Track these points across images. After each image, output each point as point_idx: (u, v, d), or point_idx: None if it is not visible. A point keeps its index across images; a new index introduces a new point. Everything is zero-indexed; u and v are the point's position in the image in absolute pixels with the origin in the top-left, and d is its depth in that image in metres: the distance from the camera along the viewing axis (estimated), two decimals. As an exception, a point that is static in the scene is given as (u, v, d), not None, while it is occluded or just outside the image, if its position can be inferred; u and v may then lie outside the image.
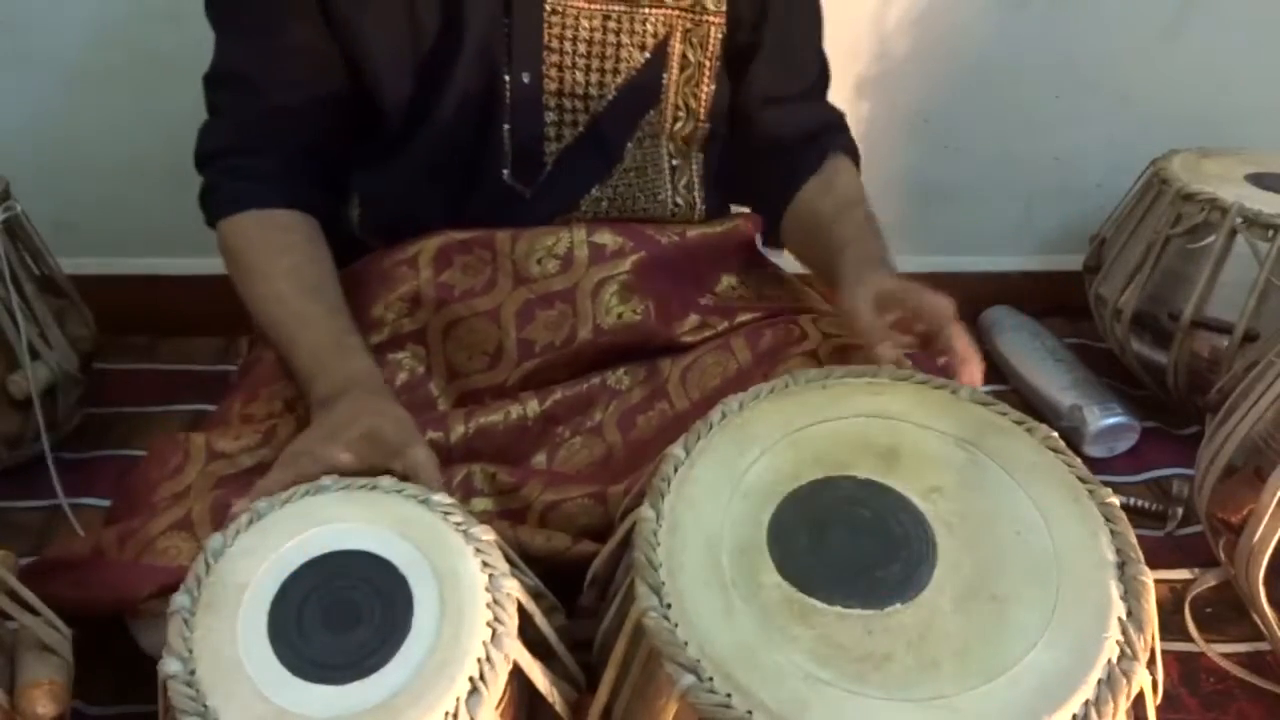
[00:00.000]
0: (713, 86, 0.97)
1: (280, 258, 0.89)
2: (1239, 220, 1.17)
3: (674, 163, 0.99)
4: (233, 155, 0.92)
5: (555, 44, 0.92)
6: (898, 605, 0.59)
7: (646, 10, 0.93)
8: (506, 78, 0.92)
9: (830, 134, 1.03)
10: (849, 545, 0.61)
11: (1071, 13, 1.39)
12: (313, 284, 0.88)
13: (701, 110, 0.98)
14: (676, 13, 0.93)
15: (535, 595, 0.68)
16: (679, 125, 0.98)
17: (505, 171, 0.95)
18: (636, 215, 0.99)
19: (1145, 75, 1.43)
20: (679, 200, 1.00)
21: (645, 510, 0.62)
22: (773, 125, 1.01)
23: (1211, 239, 1.19)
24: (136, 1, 1.25)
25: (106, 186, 1.36)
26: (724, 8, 0.94)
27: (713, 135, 1.00)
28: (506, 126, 0.94)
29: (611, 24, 0.93)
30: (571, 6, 0.91)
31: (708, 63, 0.96)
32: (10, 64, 1.30)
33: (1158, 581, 0.62)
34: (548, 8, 0.91)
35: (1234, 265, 1.19)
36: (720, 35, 0.95)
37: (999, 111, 1.45)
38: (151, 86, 1.28)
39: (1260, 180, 1.24)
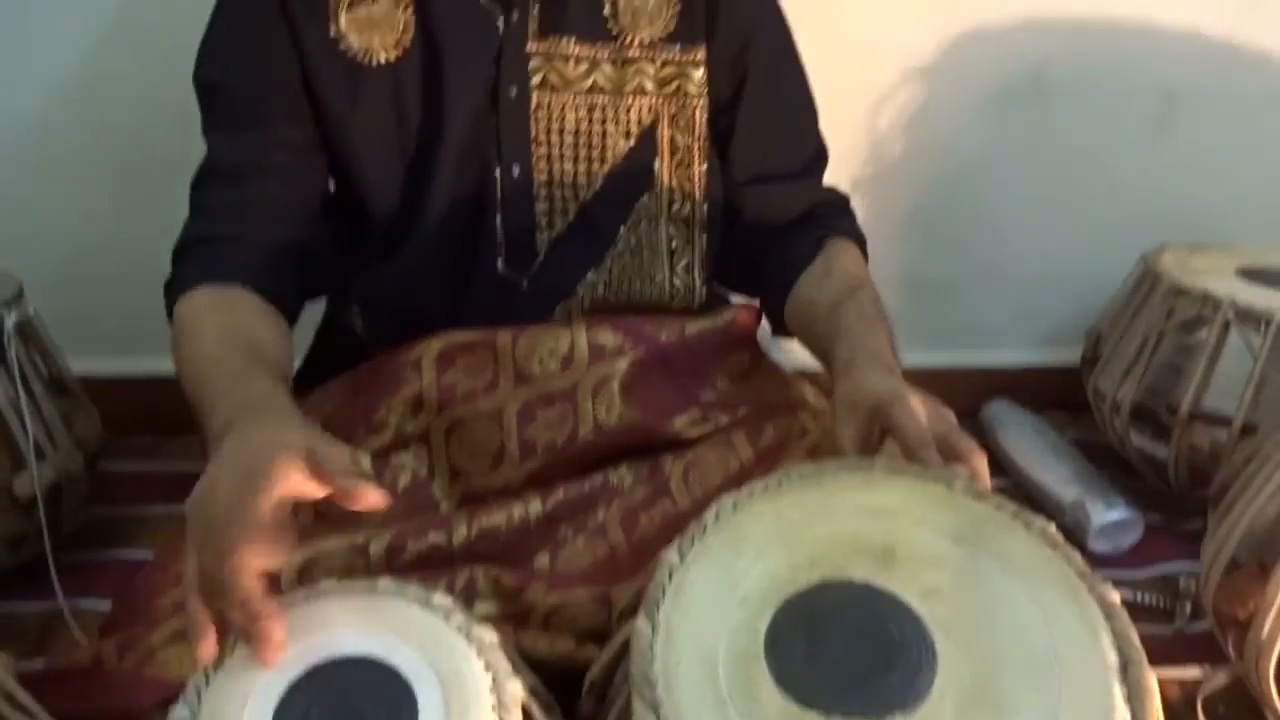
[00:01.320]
0: (704, 166, 0.99)
1: (218, 315, 0.85)
2: (1232, 314, 1.18)
3: (674, 245, 1.00)
4: (207, 243, 0.91)
5: (543, 136, 0.94)
6: (898, 717, 0.58)
7: (630, 99, 0.95)
8: (497, 171, 0.94)
9: (828, 217, 1.02)
10: (847, 653, 0.60)
11: (1058, 112, 1.43)
12: (259, 345, 0.83)
13: (697, 191, 0.99)
14: (660, 99, 0.96)
15: (535, 695, 0.67)
16: (676, 208, 1.00)
17: (500, 262, 0.97)
18: (634, 299, 1.00)
19: (1133, 171, 1.46)
20: (677, 282, 1.01)
21: (641, 622, 0.61)
22: (760, 205, 1.01)
23: (1205, 333, 1.20)
24: (152, 108, 1.29)
25: (117, 287, 1.38)
26: (706, 90, 0.97)
27: (714, 217, 1.02)
28: (498, 218, 0.95)
29: (597, 114, 0.95)
30: (557, 99, 0.94)
31: (697, 144, 0.98)
32: (26, 165, 1.34)
33: (1168, 680, 0.61)
34: (534, 102, 0.93)
35: (1229, 358, 1.20)
36: (705, 117, 0.98)
37: (991, 208, 1.48)
38: (163, 190, 1.31)
39: (1251, 275, 1.26)
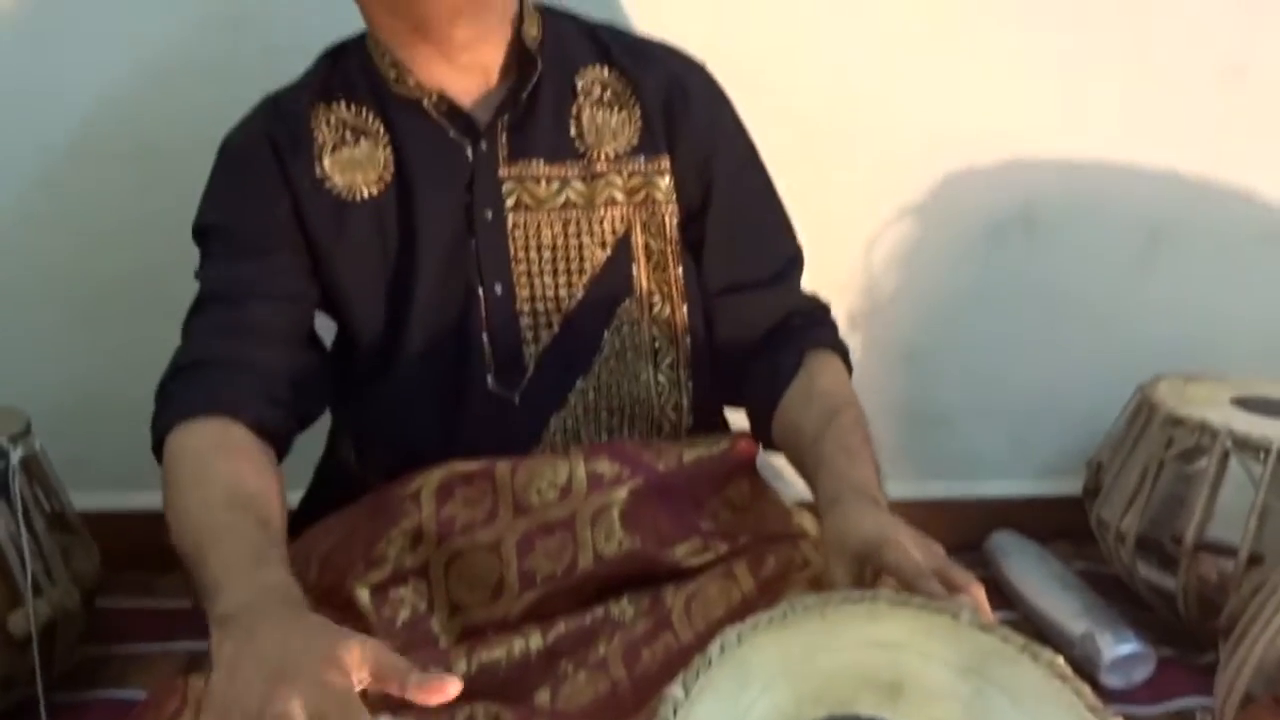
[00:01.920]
0: (679, 269, 1.01)
1: (222, 465, 0.84)
2: (1230, 443, 1.19)
3: (657, 345, 1.02)
4: (197, 369, 0.91)
5: (521, 254, 0.97)
6: None
7: (603, 210, 0.98)
8: (480, 291, 0.96)
9: (807, 328, 1.02)
10: (855, 787, 0.59)
11: (1047, 246, 1.46)
12: (248, 494, 0.82)
13: (675, 293, 1.01)
14: (631, 208, 0.99)
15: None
16: (656, 310, 1.01)
17: (489, 379, 0.98)
18: (623, 401, 1.01)
19: (1124, 303, 1.49)
20: (661, 378, 1.02)
21: (646, 762, 0.60)
22: (735, 316, 1.02)
23: (1205, 462, 1.21)
24: (164, 248, 1.32)
25: (120, 423, 1.38)
26: (674, 196, 1.00)
27: (695, 318, 1.03)
28: (485, 337, 0.97)
29: (572, 228, 0.98)
30: (532, 218, 0.97)
31: (670, 248, 1.01)
32: (36, 300, 1.37)
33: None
34: (510, 222, 0.97)
35: (1231, 488, 1.20)
36: (676, 221, 1.00)
37: (987, 340, 1.50)
38: (172, 331, 1.34)
39: (1246, 404, 1.27)
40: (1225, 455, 1.19)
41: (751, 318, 1.03)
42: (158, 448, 0.90)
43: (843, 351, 1.02)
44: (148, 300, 1.36)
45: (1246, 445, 1.18)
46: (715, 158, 1.02)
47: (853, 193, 1.41)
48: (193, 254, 0.99)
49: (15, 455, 1.09)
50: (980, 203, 1.45)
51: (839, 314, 1.08)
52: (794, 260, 1.06)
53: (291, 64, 1.01)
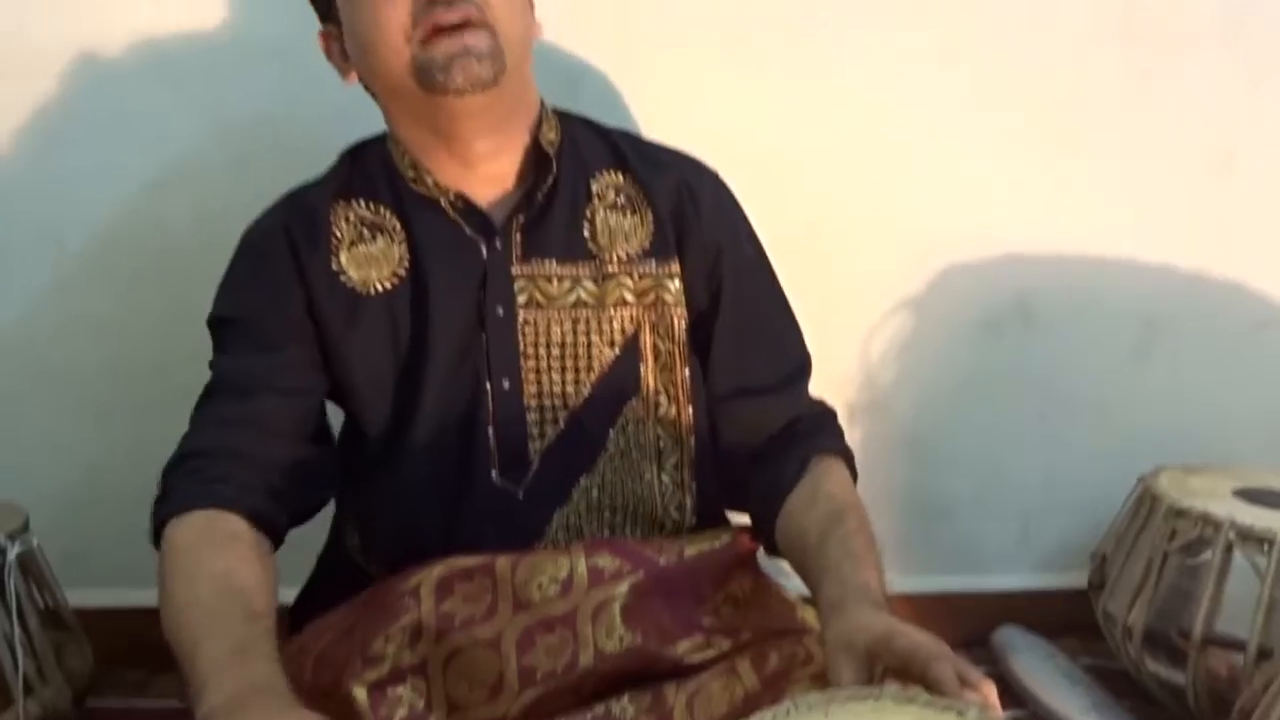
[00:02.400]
0: (686, 371, 1.02)
1: (215, 559, 0.84)
2: (1233, 535, 1.18)
3: (661, 445, 1.02)
4: (199, 457, 0.92)
5: (530, 350, 0.98)
6: None
7: (613, 310, 1.00)
8: (488, 385, 0.97)
9: (813, 434, 1.02)
10: None
11: (1043, 338, 1.48)
12: (237, 587, 0.82)
13: (681, 394, 1.02)
14: (641, 308, 1.00)
15: None
16: (662, 410, 1.02)
17: (494, 474, 0.98)
18: (627, 500, 1.00)
19: (1122, 394, 1.50)
20: (665, 479, 1.02)
21: None
22: (741, 420, 1.02)
23: (1209, 554, 1.20)
24: (167, 345, 1.34)
25: (118, 518, 1.38)
26: (684, 299, 1.01)
27: (700, 420, 1.03)
28: (490, 431, 0.97)
29: (581, 327, 0.99)
30: (542, 316, 0.98)
31: (678, 350, 1.01)
32: (34, 395, 1.38)
33: None
34: (520, 319, 0.98)
35: (1236, 581, 1.19)
36: (684, 324, 1.01)
37: (987, 432, 1.50)
38: (174, 429, 1.34)
39: (1248, 495, 1.27)
40: (1229, 548, 1.19)
41: (758, 422, 1.03)
42: (156, 537, 0.90)
43: (848, 457, 1.02)
44: (149, 396, 1.37)
45: (1250, 537, 1.18)
46: (724, 263, 1.03)
47: (851, 286, 1.43)
48: (196, 350, 1.00)
49: (12, 552, 1.09)
50: (976, 296, 1.46)
51: (838, 406, 1.08)
52: (802, 366, 1.07)
53: (308, 164, 1.04)
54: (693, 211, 1.03)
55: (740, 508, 1.06)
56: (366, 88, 1.00)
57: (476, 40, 0.89)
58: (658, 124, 1.30)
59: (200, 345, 1.00)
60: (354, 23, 0.93)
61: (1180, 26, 1.39)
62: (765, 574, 1.05)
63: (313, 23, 1.27)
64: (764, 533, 1.01)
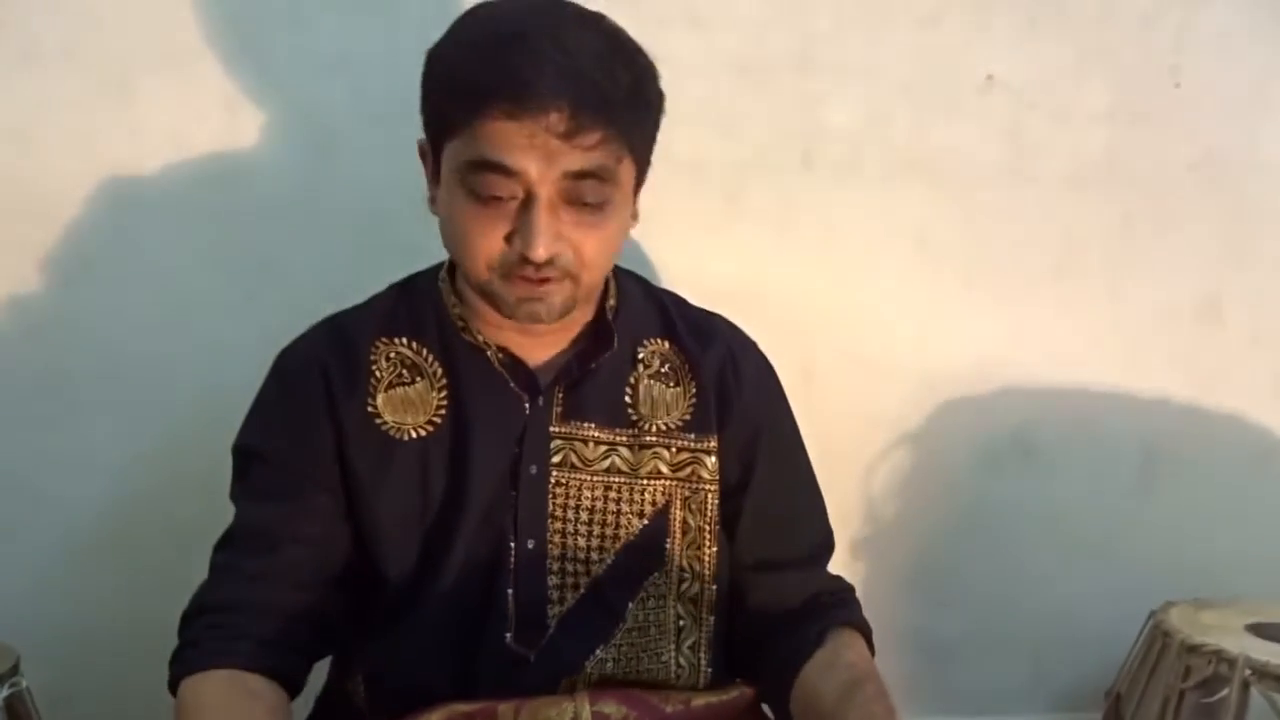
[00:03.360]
0: (714, 549, 1.00)
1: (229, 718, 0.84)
2: (1248, 672, 1.16)
3: (681, 623, 0.99)
4: (222, 611, 0.90)
5: (559, 512, 0.95)
6: None
7: (645, 481, 0.98)
8: (512, 544, 0.95)
9: (833, 607, 0.99)
10: None
11: (1043, 473, 1.48)
12: None
13: (707, 572, 0.99)
14: (675, 482, 0.98)
15: None
16: (685, 587, 0.99)
17: (508, 636, 0.94)
18: (641, 677, 0.97)
19: (1127, 528, 1.49)
20: (682, 661, 0.99)
21: None
22: (764, 592, 1.00)
23: (1226, 692, 1.17)
24: (172, 481, 1.34)
25: (106, 660, 1.36)
26: (718, 476, 0.99)
27: (722, 599, 1.01)
28: (510, 591, 0.94)
29: (612, 494, 0.97)
30: (575, 478, 0.96)
31: (708, 527, 0.99)
32: (29, 532, 1.36)
33: None
34: (552, 479, 0.96)
35: (1255, 717, 1.16)
36: (717, 501, 0.99)
37: (992, 566, 1.49)
38: (163, 558, 1.33)
39: (1261, 630, 1.25)
40: (1245, 686, 1.16)
41: (781, 594, 1.00)
42: (173, 685, 0.88)
43: (866, 632, 1.00)
44: (144, 536, 1.36)
45: (1266, 674, 1.16)
46: (761, 441, 1.02)
47: (850, 423, 1.44)
48: (195, 493, 0.98)
49: (1, 694, 1.06)
50: (975, 431, 1.48)
51: (841, 540, 1.08)
52: (826, 544, 1.06)
53: (314, 309, 1.03)
54: (735, 385, 1.02)
55: (752, 675, 1.02)
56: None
57: (554, 294, 0.89)
58: (653, 270, 1.33)
59: (200, 487, 0.99)
60: (449, 209, 0.90)
61: (1160, 171, 1.44)
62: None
63: (313, 173, 1.33)
64: (775, 698, 0.98)
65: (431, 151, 0.91)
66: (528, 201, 0.85)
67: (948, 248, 1.44)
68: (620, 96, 0.85)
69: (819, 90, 1.39)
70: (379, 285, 1.04)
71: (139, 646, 1.31)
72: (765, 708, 1.02)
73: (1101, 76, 1.42)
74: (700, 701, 0.96)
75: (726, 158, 1.39)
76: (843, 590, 1.03)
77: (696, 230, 1.39)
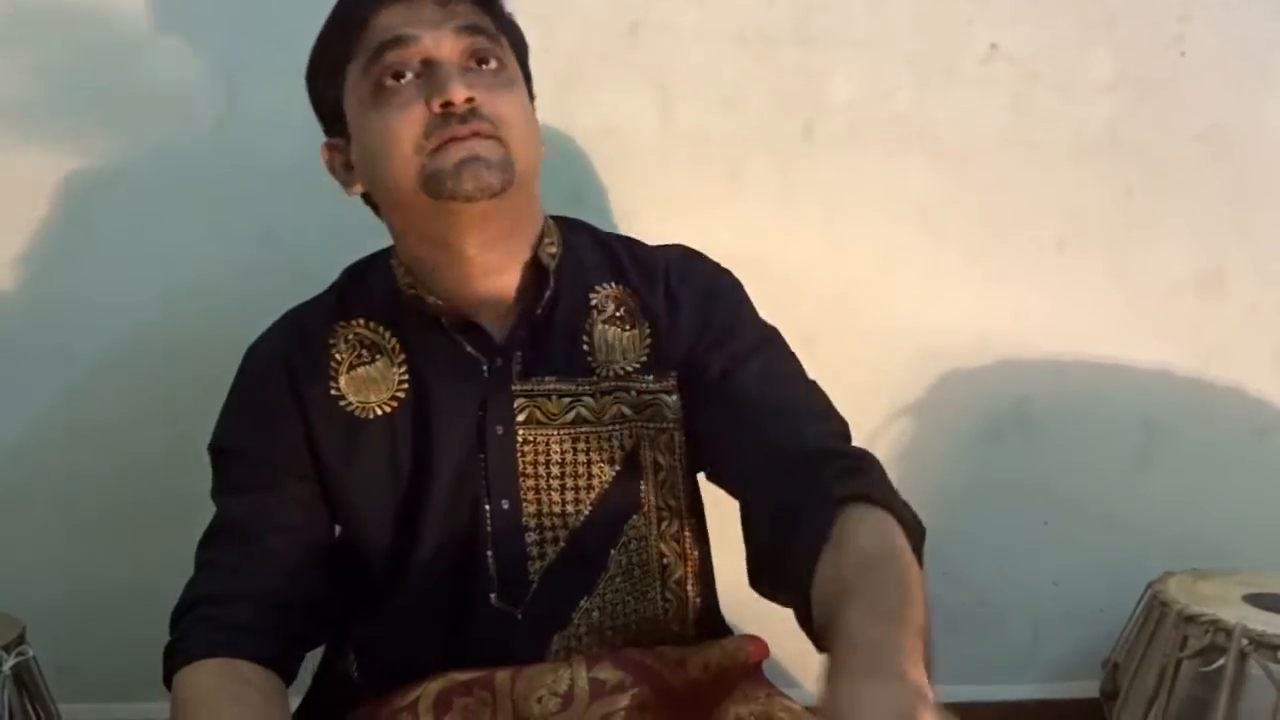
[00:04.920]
0: (687, 485, 1.00)
1: (228, 708, 0.85)
2: (1245, 642, 1.17)
3: (665, 561, 1.00)
4: (211, 603, 0.92)
5: (530, 469, 0.96)
6: None
7: (610, 427, 0.98)
8: (486, 507, 0.95)
9: (838, 480, 0.82)
10: None
11: (1043, 445, 1.48)
12: None
13: (683, 508, 1.00)
14: (639, 423, 0.98)
15: None
16: (665, 525, 1.00)
17: (493, 596, 0.96)
18: (628, 619, 0.98)
19: (1126, 500, 1.50)
20: (669, 596, 1.00)
21: None
22: (757, 498, 0.89)
23: (1223, 662, 1.18)
24: (175, 454, 1.34)
25: (112, 631, 1.37)
26: (681, 414, 0.99)
27: (704, 532, 1.02)
28: (490, 553, 0.95)
29: (581, 445, 0.97)
30: (541, 434, 0.97)
31: (679, 465, 0.99)
32: (35, 505, 1.38)
33: None
34: (519, 437, 0.96)
35: (1253, 689, 1.17)
36: (683, 438, 0.99)
37: (992, 538, 1.50)
38: (166, 530, 1.33)
39: (1259, 600, 1.26)
40: (1243, 656, 1.17)
41: (774, 492, 0.87)
42: (168, 679, 0.90)
43: (886, 502, 0.80)
44: (149, 510, 1.37)
45: (1263, 644, 1.16)
46: (706, 338, 0.99)
47: (852, 394, 1.42)
48: (198, 465, 1.00)
49: (7, 664, 1.08)
50: (976, 403, 1.48)
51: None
52: (825, 412, 0.96)
53: (317, 277, 1.05)
54: (678, 280, 1.01)
55: (784, 597, 0.83)
56: (368, 202, 1.00)
57: (487, 149, 0.89)
58: (654, 239, 1.32)
59: (202, 459, 1.00)
60: (364, 133, 0.93)
61: (1163, 142, 1.44)
62: (772, 685, 1.04)
63: (314, 145, 1.32)
64: (806, 627, 0.78)
65: (336, 127, 0.96)
66: (429, 66, 0.89)
67: (950, 219, 1.43)
68: None
69: (820, 62, 1.38)
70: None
71: (143, 617, 1.32)
72: (765, 667, 1.02)
73: (1105, 46, 1.41)
74: (697, 663, 0.96)
75: (728, 130, 1.39)
76: (851, 455, 0.89)
77: (697, 202, 1.39)
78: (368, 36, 0.90)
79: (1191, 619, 1.22)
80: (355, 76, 0.92)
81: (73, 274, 1.34)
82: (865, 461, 0.87)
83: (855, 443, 0.94)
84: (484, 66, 0.91)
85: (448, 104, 0.87)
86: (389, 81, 0.89)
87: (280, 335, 1.02)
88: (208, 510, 0.99)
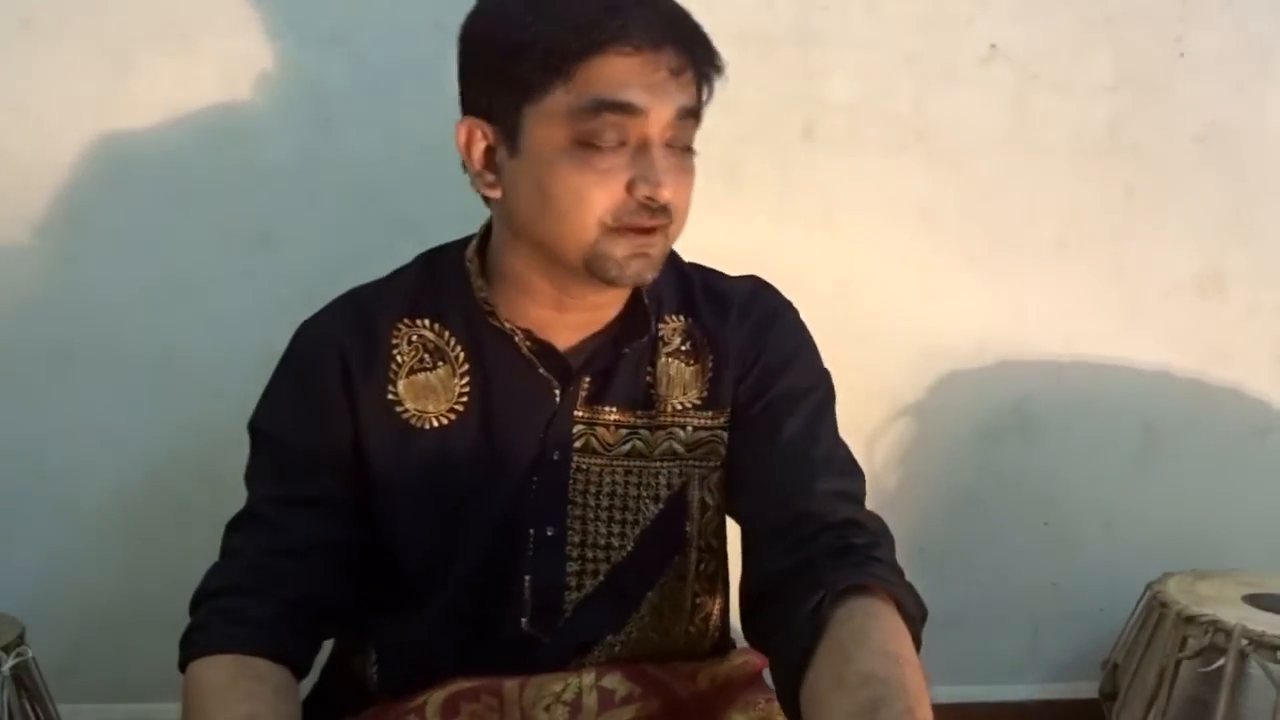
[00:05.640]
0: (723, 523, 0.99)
1: (240, 704, 0.82)
2: (1245, 642, 1.17)
3: (697, 600, 0.98)
4: (231, 595, 0.89)
5: (579, 499, 0.93)
6: None
7: (659, 464, 0.95)
8: (531, 531, 0.93)
9: (843, 558, 0.81)
10: None
11: (1043, 447, 1.49)
12: None
13: (723, 549, 0.98)
14: (690, 462, 0.95)
15: None
16: (704, 566, 0.98)
17: (524, 620, 0.93)
18: (648, 650, 0.96)
19: (1126, 502, 1.50)
20: (692, 630, 0.98)
21: None
22: (761, 552, 0.88)
23: (1222, 662, 1.18)
24: (174, 455, 1.34)
25: (111, 632, 1.37)
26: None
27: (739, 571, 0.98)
28: (528, 578, 0.93)
29: (632, 479, 0.94)
30: (595, 463, 0.94)
31: (724, 505, 0.97)
32: (34, 506, 1.37)
33: None
34: (573, 465, 0.93)
35: (1253, 689, 1.17)
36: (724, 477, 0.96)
37: (992, 540, 1.50)
38: (164, 531, 1.33)
39: (1258, 601, 1.26)
40: (1243, 656, 1.17)
41: (782, 551, 0.85)
42: (183, 666, 0.87)
43: (889, 590, 0.78)
44: (148, 511, 1.37)
45: (1263, 644, 1.16)
46: (760, 377, 0.96)
47: (852, 396, 1.43)
48: (196, 466, 0.98)
49: (7, 665, 1.07)
50: (975, 404, 1.48)
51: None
52: (846, 470, 0.94)
53: (315, 278, 1.03)
54: (740, 316, 0.97)
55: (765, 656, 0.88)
56: (486, 200, 0.91)
57: (659, 247, 0.86)
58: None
59: (202, 459, 0.98)
60: (548, 177, 0.83)
61: (1163, 142, 1.44)
62: (772, 692, 1.02)
63: (312, 145, 1.32)
64: (788, 704, 0.78)
65: (502, 124, 0.85)
66: (643, 145, 0.83)
67: (949, 220, 1.43)
68: (704, 37, 0.85)
69: (820, 62, 1.38)
70: (378, 257, 1.02)
71: (142, 619, 1.33)
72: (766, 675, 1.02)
73: (1105, 46, 1.41)
74: (706, 677, 0.96)
75: (727, 130, 1.38)
76: (863, 529, 0.86)
77: (696, 202, 1.37)
78: (591, 75, 0.80)
79: (1191, 619, 1.22)
80: (558, 109, 0.81)
81: (72, 276, 1.34)
82: (876, 535, 0.86)
83: (854, 443, 0.95)
84: (682, 149, 0.86)
85: (651, 199, 0.83)
86: (596, 143, 0.81)
87: (339, 321, 0.95)
88: (207, 511, 0.98)
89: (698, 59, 0.84)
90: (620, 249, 0.84)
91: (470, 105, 0.87)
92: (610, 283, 0.85)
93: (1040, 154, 1.43)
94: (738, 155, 1.39)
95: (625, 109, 0.81)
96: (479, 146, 0.86)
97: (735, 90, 1.37)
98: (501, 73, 0.83)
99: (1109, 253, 1.46)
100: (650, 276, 0.86)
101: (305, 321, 0.96)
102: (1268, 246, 1.47)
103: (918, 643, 0.79)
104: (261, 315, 1.01)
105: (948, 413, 1.47)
